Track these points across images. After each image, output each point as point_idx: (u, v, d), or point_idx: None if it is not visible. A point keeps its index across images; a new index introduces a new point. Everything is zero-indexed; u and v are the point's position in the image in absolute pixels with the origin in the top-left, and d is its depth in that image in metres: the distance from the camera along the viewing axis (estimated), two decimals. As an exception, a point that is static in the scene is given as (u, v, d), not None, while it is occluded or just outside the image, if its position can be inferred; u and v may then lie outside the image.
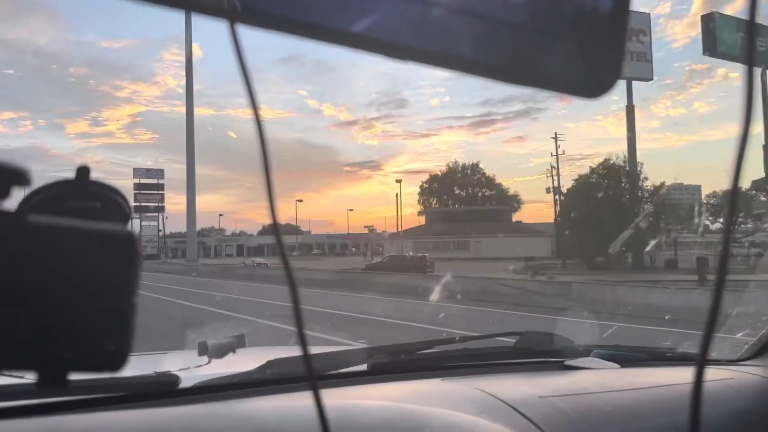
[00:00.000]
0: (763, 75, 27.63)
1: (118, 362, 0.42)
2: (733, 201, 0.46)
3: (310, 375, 0.56)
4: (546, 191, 44.66)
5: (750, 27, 0.40)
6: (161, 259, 69.10)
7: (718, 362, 1.65)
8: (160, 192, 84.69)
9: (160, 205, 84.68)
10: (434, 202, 79.22)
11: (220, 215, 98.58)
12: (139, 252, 0.43)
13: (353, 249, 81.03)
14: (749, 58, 0.42)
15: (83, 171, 0.53)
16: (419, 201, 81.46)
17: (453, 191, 78.11)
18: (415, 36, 0.37)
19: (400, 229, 65.06)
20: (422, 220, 71.93)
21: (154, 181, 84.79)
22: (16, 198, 0.44)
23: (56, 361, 0.41)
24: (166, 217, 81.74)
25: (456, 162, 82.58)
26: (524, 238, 47.08)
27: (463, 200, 76.57)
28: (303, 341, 0.50)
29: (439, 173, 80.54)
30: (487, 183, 79.15)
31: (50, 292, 0.40)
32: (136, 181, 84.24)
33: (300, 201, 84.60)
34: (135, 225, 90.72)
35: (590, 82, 0.41)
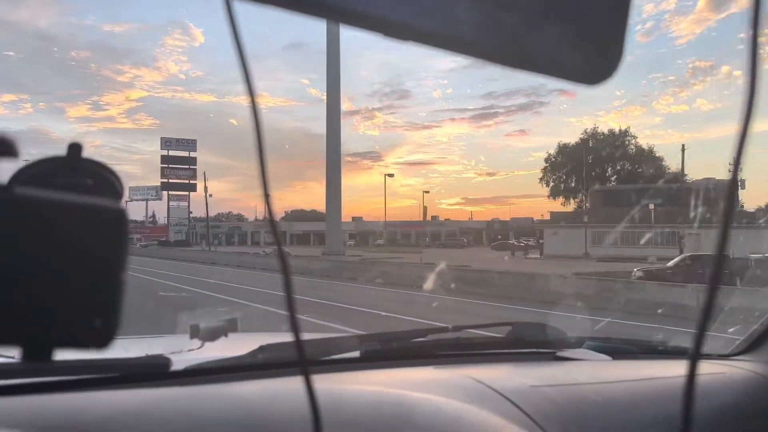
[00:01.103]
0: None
1: (105, 340, 0.41)
2: (730, 197, 0.44)
3: (302, 360, 0.55)
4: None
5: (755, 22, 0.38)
6: (200, 246, 56.19)
7: (709, 356, 1.67)
8: (191, 167, 71.74)
9: (191, 182, 72.09)
10: (562, 180, 63.54)
11: (266, 196, 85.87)
12: (128, 229, 0.42)
13: (426, 239, 68.66)
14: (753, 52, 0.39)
15: (75, 147, 0.51)
16: (542, 179, 65.56)
17: (594, 165, 61.10)
18: (412, 15, 0.35)
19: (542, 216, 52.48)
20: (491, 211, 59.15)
21: (184, 153, 72.05)
22: (6, 172, 0.43)
23: (42, 337, 0.40)
24: (210, 195, 67.61)
25: (595, 128, 66.59)
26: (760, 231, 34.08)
27: (602, 178, 60.61)
28: (295, 327, 0.50)
29: (575, 142, 63.95)
30: (639, 156, 61.60)
31: (37, 266, 0.39)
32: (164, 152, 71.42)
33: (391, 176, 71.39)
34: (159, 205, 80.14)
35: (590, 69, 0.39)
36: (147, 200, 79.09)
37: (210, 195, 65.82)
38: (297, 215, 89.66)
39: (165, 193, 72.17)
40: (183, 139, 71.61)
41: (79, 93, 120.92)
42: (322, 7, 0.33)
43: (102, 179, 0.53)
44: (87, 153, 0.52)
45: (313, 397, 0.53)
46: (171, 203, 73.06)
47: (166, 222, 75.84)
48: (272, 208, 0.46)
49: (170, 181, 70.76)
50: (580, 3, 0.38)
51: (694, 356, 0.46)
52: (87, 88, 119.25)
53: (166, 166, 70.47)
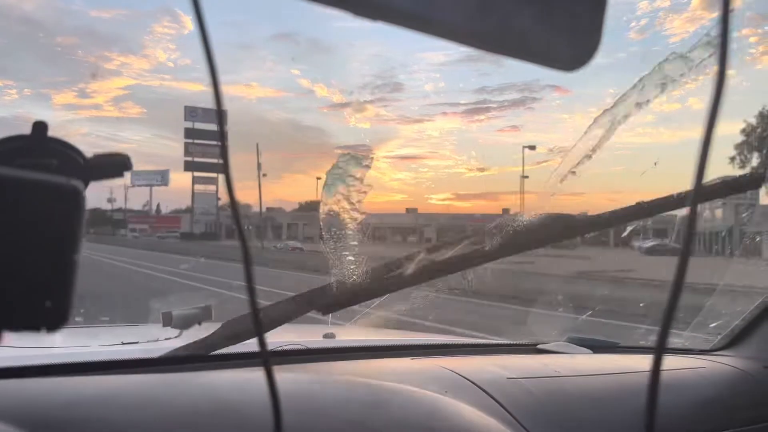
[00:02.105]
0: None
1: (57, 321, 0.39)
2: (697, 188, 0.44)
3: (263, 352, 0.55)
4: None
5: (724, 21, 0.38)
6: (258, 242, 44.15)
7: (690, 351, 1.69)
8: (222, 143, 59.61)
9: (220, 162, 59.81)
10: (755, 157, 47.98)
11: (318, 178, 75.07)
12: (84, 207, 0.40)
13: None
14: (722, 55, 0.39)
15: (40, 126, 0.50)
16: (734, 159, 48.86)
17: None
18: None
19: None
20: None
21: (213, 127, 60.07)
22: None
23: None
24: (264, 175, 54.13)
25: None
26: None
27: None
28: (256, 317, 0.49)
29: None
30: None
31: None
32: (188, 125, 59.01)
33: (533, 148, 59.58)
34: (162, 193, 68.03)
35: (569, 54, 0.38)
36: (151, 186, 66.77)
37: (264, 174, 53.09)
38: (314, 206, 79.46)
39: (184, 176, 60.00)
40: (211, 109, 58.76)
41: (65, 80, 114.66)
42: None
43: (68, 159, 0.50)
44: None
45: (273, 387, 0.51)
46: (200, 187, 60.75)
47: (170, 212, 63.81)
48: (235, 197, 0.45)
49: (195, 159, 58.49)
50: None
51: (659, 350, 0.47)
52: (73, 74, 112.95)
53: (191, 141, 58.29)
